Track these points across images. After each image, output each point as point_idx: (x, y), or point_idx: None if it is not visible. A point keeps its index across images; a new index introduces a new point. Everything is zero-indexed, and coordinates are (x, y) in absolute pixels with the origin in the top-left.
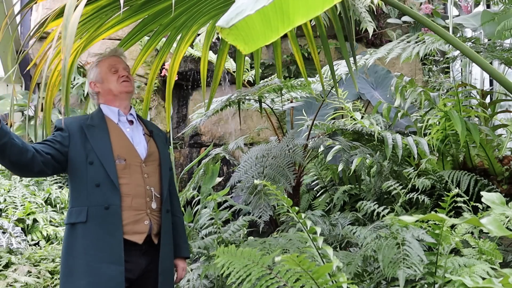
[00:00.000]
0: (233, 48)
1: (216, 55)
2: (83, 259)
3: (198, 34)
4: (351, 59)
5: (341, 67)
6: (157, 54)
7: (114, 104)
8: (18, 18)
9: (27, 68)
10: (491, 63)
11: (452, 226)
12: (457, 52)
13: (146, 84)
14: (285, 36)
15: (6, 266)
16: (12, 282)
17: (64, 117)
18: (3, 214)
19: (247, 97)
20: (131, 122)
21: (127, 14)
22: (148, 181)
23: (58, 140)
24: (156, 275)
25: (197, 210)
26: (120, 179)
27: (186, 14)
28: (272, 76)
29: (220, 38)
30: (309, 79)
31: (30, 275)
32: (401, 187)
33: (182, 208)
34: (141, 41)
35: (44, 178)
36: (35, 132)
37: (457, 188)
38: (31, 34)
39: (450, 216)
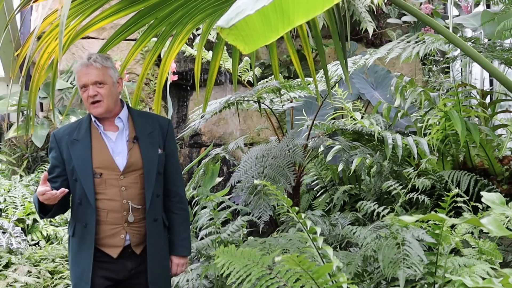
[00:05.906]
0: (231, 49)
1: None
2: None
3: (198, 35)
4: (350, 59)
5: (341, 67)
6: (150, 50)
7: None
8: (18, 19)
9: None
10: (491, 63)
11: (452, 226)
12: (457, 52)
13: (145, 83)
14: (283, 37)
15: (6, 266)
16: (12, 282)
17: (55, 131)
18: (3, 214)
19: (246, 98)
20: (117, 127)
21: (123, 4)
22: (125, 194)
23: (57, 166)
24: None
25: (197, 210)
26: (96, 195)
27: (182, 9)
28: (272, 76)
29: (216, 37)
30: (309, 79)
31: (30, 275)
32: (401, 187)
33: None
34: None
35: None
36: (28, 129)
37: (457, 188)
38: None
39: (450, 216)
